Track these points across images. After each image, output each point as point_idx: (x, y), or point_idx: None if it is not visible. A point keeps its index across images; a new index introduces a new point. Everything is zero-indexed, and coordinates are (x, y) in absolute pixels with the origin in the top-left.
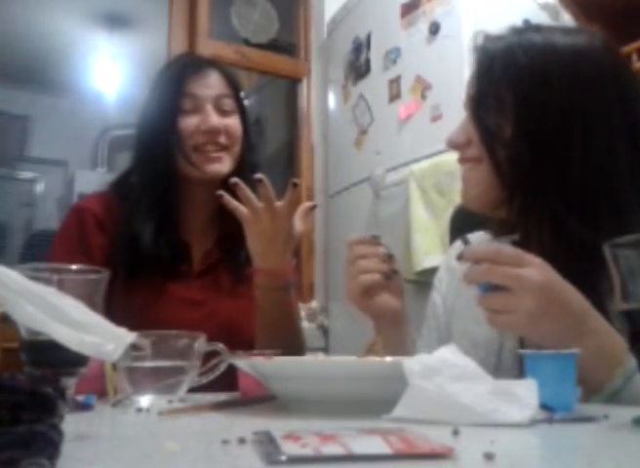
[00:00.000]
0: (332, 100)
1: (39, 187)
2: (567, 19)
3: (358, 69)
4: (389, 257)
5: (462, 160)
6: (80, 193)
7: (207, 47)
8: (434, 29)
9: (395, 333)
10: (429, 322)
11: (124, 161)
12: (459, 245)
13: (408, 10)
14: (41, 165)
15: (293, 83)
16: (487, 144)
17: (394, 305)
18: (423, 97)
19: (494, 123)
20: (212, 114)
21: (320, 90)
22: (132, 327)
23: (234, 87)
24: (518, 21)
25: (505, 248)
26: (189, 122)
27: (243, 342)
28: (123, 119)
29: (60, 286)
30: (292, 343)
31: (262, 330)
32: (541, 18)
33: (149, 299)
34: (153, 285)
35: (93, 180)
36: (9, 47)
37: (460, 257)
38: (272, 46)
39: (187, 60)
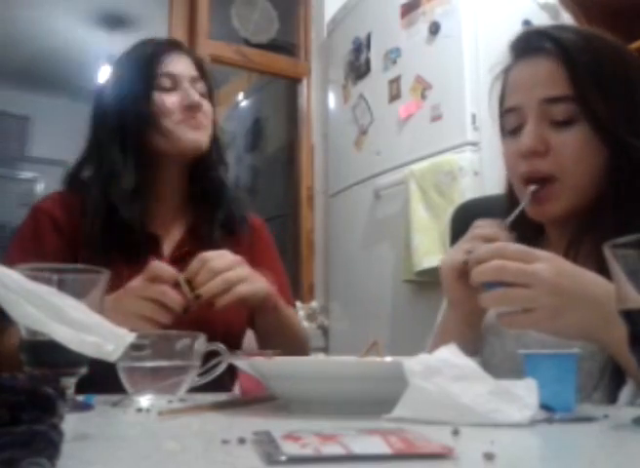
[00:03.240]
0: (332, 100)
1: (39, 187)
2: (567, 19)
3: (358, 69)
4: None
5: (534, 173)
6: None
7: (207, 47)
8: (434, 29)
9: (466, 331)
10: None
11: None
12: None
13: (408, 10)
14: (41, 165)
15: (293, 83)
16: (601, 146)
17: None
18: (423, 97)
19: (607, 125)
20: (191, 90)
21: (320, 90)
22: None
23: (204, 73)
24: (518, 22)
25: (510, 244)
26: (171, 99)
27: (214, 335)
28: None
29: (60, 286)
30: (294, 348)
31: (264, 342)
32: (541, 18)
33: (117, 288)
34: (120, 277)
35: None
36: (9, 47)
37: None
38: (272, 46)
39: (158, 42)
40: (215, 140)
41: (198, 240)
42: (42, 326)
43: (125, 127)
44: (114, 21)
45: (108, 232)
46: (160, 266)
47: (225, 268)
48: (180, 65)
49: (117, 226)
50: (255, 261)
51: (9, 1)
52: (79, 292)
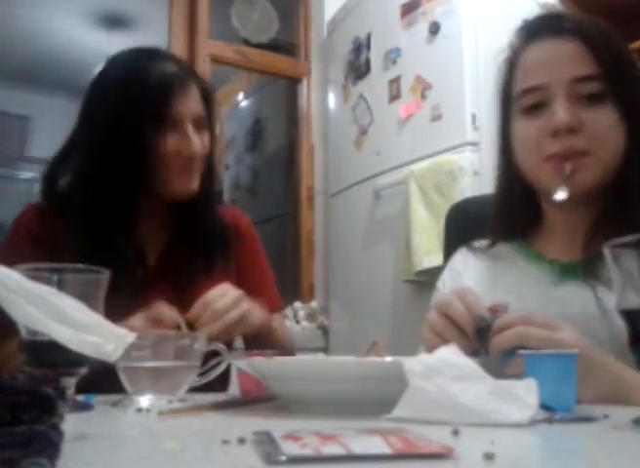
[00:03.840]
0: (332, 100)
1: (39, 187)
2: None
3: (358, 69)
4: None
5: (568, 151)
6: None
7: (207, 47)
8: (434, 29)
9: None
10: None
11: None
12: (465, 251)
13: (408, 10)
14: (41, 165)
15: (293, 83)
16: (625, 124)
17: None
18: (423, 97)
19: (629, 103)
20: (194, 138)
21: (320, 90)
22: None
23: (209, 101)
24: (518, 22)
25: (534, 314)
26: (171, 145)
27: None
28: None
29: (60, 286)
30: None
31: (250, 346)
32: None
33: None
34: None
35: None
36: (9, 47)
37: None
38: (272, 46)
39: (171, 71)
40: (206, 171)
41: (182, 249)
42: (42, 326)
43: (118, 160)
44: (114, 21)
45: (93, 247)
46: (163, 310)
47: (227, 309)
48: (187, 105)
49: (102, 243)
50: (241, 264)
51: (9, 1)
52: (79, 293)
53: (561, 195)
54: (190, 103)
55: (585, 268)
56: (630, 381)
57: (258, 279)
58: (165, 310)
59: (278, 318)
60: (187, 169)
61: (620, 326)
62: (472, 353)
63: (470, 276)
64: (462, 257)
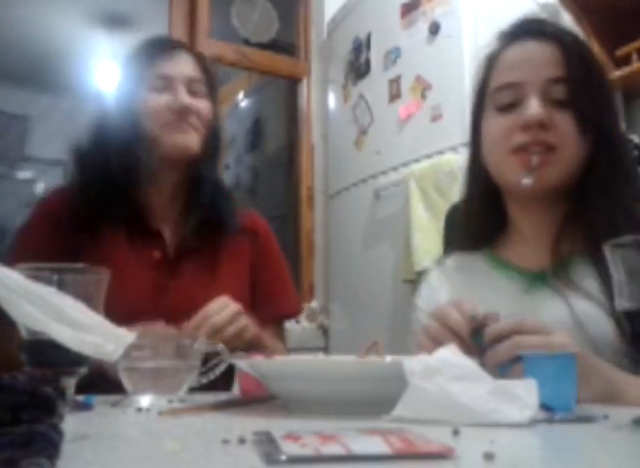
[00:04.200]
0: (332, 100)
1: (39, 187)
2: (567, 19)
3: (358, 69)
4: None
5: (537, 143)
6: None
7: (207, 47)
8: (434, 29)
9: None
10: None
11: None
12: (438, 267)
13: (408, 10)
14: (41, 165)
15: (293, 83)
16: (588, 132)
17: None
18: (423, 96)
19: (594, 112)
20: (183, 93)
21: (320, 90)
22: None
23: (206, 72)
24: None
25: (525, 319)
26: (159, 99)
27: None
28: None
29: (60, 286)
30: None
31: None
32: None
33: (116, 286)
34: (123, 270)
35: None
36: (9, 47)
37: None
38: (272, 46)
39: (159, 42)
40: (212, 138)
41: (197, 234)
42: (42, 326)
43: (120, 127)
44: (114, 21)
45: (111, 219)
46: (158, 328)
47: (225, 324)
48: (176, 66)
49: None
50: (258, 262)
51: (9, 1)
52: (79, 292)
53: (527, 181)
54: (180, 65)
55: (556, 275)
56: (621, 381)
57: (275, 279)
58: (160, 328)
59: (272, 334)
60: (179, 121)
61: (595, 332)
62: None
63: (445, 291)
64: (437, 273)
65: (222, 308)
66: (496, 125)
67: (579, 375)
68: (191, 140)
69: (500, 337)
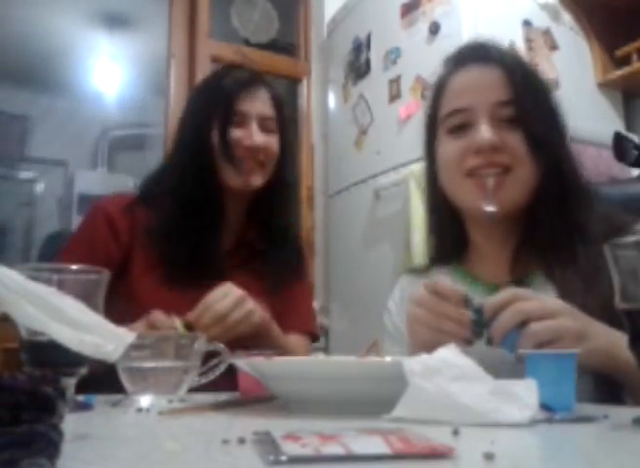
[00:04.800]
0: (332, 100)
1: (39, 187)
2: (567, 19)
3: (358, 69)
4: (474, 323)
5: (490, 165)
6: (80, 193)
7: (207, 47)
8: (434, 29)
9: None
10: (390, 341)
11: (124, 161)
12: (408, 277)
13: (408, 10)
14: (41, 165)
15: (293, 83)
16: (538, 150)
17: None
18: (423, 97)
19: (542, 130)
20: (256, 131)
21: (320, 90)
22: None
23: (278, 107)
24: (518, 22)
25: (519, 289)
26: (234, 134)
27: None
28: (123, 119)
29: (60, 286)
30: None
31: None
32: (541, 18)
33: (158, 297)
34: (164, 283)
35: (93, 180)
36: (9, 47)
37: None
38: (272, 46)
39: (240, 76)
40: (279, 171)
41: (241, 262)
42: (42, 326)
43: (197, 155)
44: (114, 21)
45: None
46: (157, 317)
47: (228, 311)
48: (253, 104)
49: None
50: (288, 294)
51: (9, 1)
52: (79, 293)
53: (490, 207)
54: (256, 103)
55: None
56: (618, 335)
57: (301, 303)
58: (159, 317)
59: (296, 338)
60: (248, 158)
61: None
62: (468, 341)
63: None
64: (406, 283)
65: (225, 295)
66: (448, 149)
67: (581, 327)
68: (255, 179)
69: (500, 309)
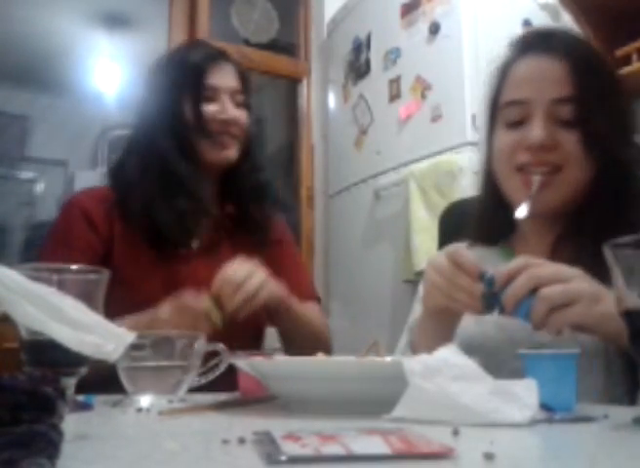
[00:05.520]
0: (332, 100)
1: (39, 187)
2: (567, 19)
3: (358, 69)
4: (486, 296)
5: (539, 163)
6: None
7: None
8: (434, 29)
9: (444, 329)
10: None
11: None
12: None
13: (408, 10)
14: (41, 165)
15: (293, 83)
16: (594, 151)
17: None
18: (423, 96)
19: (602, 131)
20: (229, 105)
21: (320, 90)
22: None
23: (245, 82)
24: (518, 22)
25: (529, 257)
26: (208, 110)
27: (245, 334)
28: (123, 119)
29: (60, 286)
30: (316, 343)
31: (286, 342)
32: (541, 18)
33: (152, 281)
34: (153, 265)
35: (93, 180)
36: (9, 47)
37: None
38: (272, 46)
39: (206, 52)
40: (248, 148)
41: (224, 235)
42: (42, 326)
43: (170, 131)
44: (114, 21)
45: (151, 230)
46: (188, 298)
47: (244, 280)
48: (222, 78)
49: (161, 223)
50: (278, 264)
51: (9, 1)
52: (79, 293)
53: (521, 213)
54: (226, 77)
55: None
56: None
57: (295, 278)
58: (187, 298)
59: (312, 309)
60: (223, 133)
61: (587, 338)
62: (483, 311)
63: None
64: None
65: (240, 266)
66: (503, 142)
67: (594, 293)
68: (232, 153)
69: (512, 277)
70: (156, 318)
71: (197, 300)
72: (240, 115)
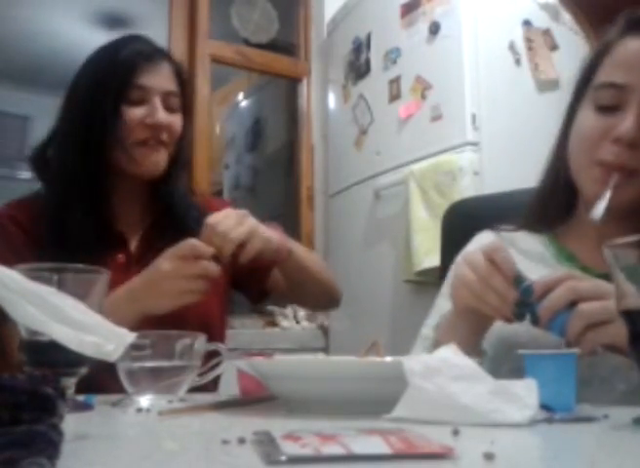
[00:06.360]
0: (332, 100)
1: (39, 187)
2: (567, 19)
3: (358, 69)
4: (519, 304)
5: (618, 168)
6: None
7: (207, 47)
8: (434, 29)
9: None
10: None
11: None
12: (490, 235)
13: (408, 10)
14: None
15: (293, 83)
16: None
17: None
18: (423, 96)
19: None
20: (159, 108)
21: (320, 90)
22: None
23: (183, 84)
24: (518, 22)
25: (570, 271)
26: (135, 113)
27: (191, 326)
28: None
29: (60, 286)
30: (326, 288)
31: (296, 295)
32: (541, 18)
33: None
34: None
35: None
36: (9, 47)
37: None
38: (272, 46)
39: (140, 48)
40: (178, 152)
41: (161, 236)
42: (42, 326)
43: (88, 135)
44: (114, 21)
45: (75, 232)
46: (198, 245)
47: (233, 227)
48: (155, 78)
49: (80, 226)
50: None
51: (9, 1)
52: (79, 292)
53: (596, 215)
54: (158, 78)
55: None
56: None
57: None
58: (200, 245)
59: (308, 250)
60: (152, 139)
61: None
62: (507, 321)
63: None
64: (485, 239)
65: (226, 216)
66: (588, 126)
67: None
68: (160, 160)
69: (551, 288)
70: (155, 270)
71: (205, 247)
72: (173, 120)
